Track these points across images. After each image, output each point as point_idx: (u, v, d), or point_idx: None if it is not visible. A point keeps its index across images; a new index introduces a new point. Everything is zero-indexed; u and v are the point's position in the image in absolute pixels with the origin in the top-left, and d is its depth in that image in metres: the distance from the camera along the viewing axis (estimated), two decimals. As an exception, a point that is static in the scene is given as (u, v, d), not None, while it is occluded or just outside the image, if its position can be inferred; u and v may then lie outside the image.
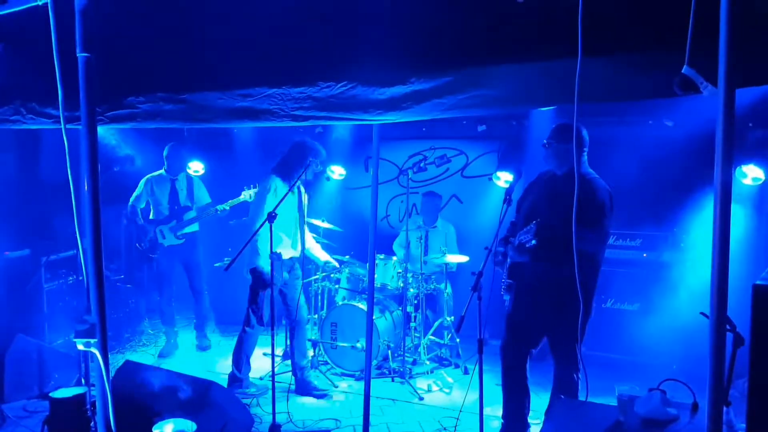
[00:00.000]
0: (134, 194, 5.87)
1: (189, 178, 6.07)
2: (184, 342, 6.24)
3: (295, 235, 4.96)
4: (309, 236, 5.26)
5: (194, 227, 6.05)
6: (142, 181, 5.90)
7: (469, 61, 2.26)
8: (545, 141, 3.80)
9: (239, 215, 7.06)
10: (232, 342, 6.43)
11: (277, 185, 4.79)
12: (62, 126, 2.23)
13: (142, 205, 5.89)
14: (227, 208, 5.80)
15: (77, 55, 1.97)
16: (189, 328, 6.45)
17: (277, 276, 4.71)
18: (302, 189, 5.03)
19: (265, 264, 4.65)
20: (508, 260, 3.89)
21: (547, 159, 3.83)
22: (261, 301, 4.85)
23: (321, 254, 5.39)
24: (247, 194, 5.68)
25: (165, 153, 5.90)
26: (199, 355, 6.03)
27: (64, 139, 2.22)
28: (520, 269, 3.83)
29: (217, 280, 6.88)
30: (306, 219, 5.07)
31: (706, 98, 1.75)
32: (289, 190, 4.57)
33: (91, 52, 1.98)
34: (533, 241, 3.44)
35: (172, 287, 6.03)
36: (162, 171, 5.91)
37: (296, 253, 5.00)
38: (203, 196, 6.12)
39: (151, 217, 5.87)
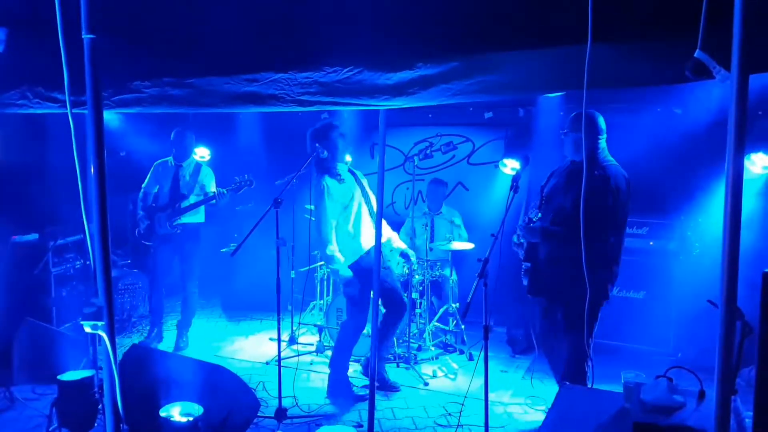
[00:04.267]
0: (146, 180, 5.78)
1: (197, 166, 5.79)
2: (168, 338, 5.97)
3: (370, 221, 4.62)
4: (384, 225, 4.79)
5: (197, 218, 5.73)
6: (153, 167, 5.80)
7: (476, 46, 2.24)
8: (563, 130, 3.87)
9: (245, 201, 7.09)
10: (239, 327, 6.52)
11: (328, 183, 4.45)
12: (68, 110, 2.22)
13: (155, 190, 5.73)
14: (222, 196, 5.54)
15: (83, 36, 1.96)
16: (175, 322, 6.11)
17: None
18: (358, 175, 4.69)
19: (344, 265, 4.48)
20: (524, 243, 3.95)
21: (566, 148, 3.90)
22: (364, 300, 4.51)
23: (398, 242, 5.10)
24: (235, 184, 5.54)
25: (171, 138, 5.73)
26: (206, 340, 6.05)
27: (70, 124, 2.21)
28: (534, 251, 3.88)
29: (225, 267, 6.92)
30: (371, 203, 4.67)
31: (715, 86, 1.74)
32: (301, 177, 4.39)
33: (97, 34, 1.97)
34: (539, 214, 3.67)
35: (165, 278, 5.79)
36: (170, 157, 5.77)
37: (374, 244, 4.59)
38: (208, 184, 5.76)
39: (152, 204, 5.72)
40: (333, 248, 4.45)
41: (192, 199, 5.67)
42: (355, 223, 4.57)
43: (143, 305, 6.62)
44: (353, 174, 4.70)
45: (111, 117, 6.21)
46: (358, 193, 4.61)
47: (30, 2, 2.77)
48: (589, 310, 3.22)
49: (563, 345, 3.85)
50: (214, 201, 5.57)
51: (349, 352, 4.71)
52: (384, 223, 4.84)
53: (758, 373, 1.78)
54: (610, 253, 3.67)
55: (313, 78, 2.55)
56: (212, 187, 5.76)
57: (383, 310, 4.67)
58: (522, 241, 4.00)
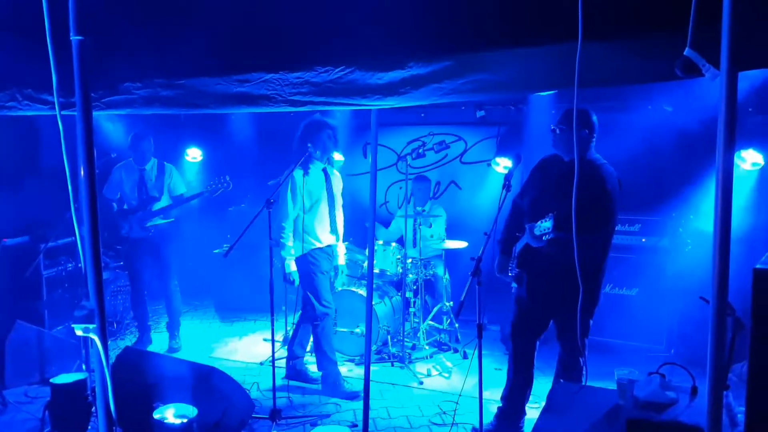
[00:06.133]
0: (106, 185, 5.62)
1: (161, 167, 5.65)
2: (158, 339, 5.92)
3: (329, 221, 4.78)
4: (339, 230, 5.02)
5: (167, 218, 5.67)
6: (112, 172, 5.65)
7: (468, 46, 2.23)
8: (554, 126, 3.71)
9: (238, 202, 7.07)
10: (231, 328, 6.51)
11: (294, 175, 4.60)
12: (57, 112, 2.21)
13: (117, 196, 5.63)
14: (194, 201, 5.54)
15: (71, 38, 1.94)
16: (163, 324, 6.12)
17: (326, 265, 4.74)
18: (330, 171, 4.79)
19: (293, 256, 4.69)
20: (517, 246, 3.81)
21: (556, 144, 3.73)
22: (314, 289, 4.70)
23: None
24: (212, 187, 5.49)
25: (129, 144, 5.58)
26: (200, 341, 6.03)
27: (59, 126, 2.20)
28: (531, 254, 3.70)
29: (217, 267, 6.89)
30: (336, 203, 4.84)
31: (706, 83, 1.74)
32: (284, 175, 4.49)
33: (86, 35, 1.95)
34: (551, 235, 3.33)
35: (143, 282, 5.73)
36: (130, 159, 5.63)
37: (332, 240, 4.83)
38: (177, 186, 5.67)
39: (125, 207, 5.62)
40: (286, 236, 4.65)
41: (164, 201, 5.59)
42: (309, 219, 4.69)
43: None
44: (325, 174, 4.74)
45: (101, 118, 6.18)
46: (323, 193, 4.72)
47: (18, 4, 2.74)
48: (589, 310, 3.21)
49: (555, 345, 3.84)
50: (194, 200, 5.56)
51: (327, 346, 4.71)
52: (340, 227, 4.99)
53: (750, 368, 1.79)
54: (605, 253, 3.64)
55: (304, 78, 2.55)
56: (181, 189, 5.69)
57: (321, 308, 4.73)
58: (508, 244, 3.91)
